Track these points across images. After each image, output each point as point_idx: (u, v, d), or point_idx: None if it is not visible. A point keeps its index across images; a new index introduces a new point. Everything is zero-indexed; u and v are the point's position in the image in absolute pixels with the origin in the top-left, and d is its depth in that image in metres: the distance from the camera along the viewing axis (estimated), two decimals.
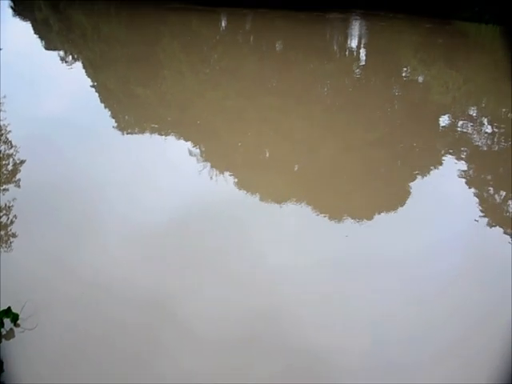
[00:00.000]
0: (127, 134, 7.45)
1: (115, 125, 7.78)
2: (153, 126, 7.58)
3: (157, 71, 10.91)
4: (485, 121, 8.59)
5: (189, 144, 7.01)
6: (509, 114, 9.06)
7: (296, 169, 6.54)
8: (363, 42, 17.60)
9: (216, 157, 6.65)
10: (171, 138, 7.26)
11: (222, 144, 7.10)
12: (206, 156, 6.61)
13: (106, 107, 8.68)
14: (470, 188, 6.09)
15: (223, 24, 20.37)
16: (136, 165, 6.12)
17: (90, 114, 8.05)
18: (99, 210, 4.95)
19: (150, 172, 5.95)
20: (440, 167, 6.61)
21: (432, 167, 6.60)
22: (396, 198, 5.70)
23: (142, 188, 5.50)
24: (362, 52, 15.65)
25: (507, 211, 5.65)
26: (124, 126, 7.75)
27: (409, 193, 5.82)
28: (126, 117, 8.48)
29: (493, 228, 5.11)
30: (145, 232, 4.55)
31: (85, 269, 3.95)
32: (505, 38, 17.43)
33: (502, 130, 8.18)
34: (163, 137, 7.32)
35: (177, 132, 7.43)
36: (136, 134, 7.48)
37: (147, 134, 7.31)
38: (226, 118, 8.01)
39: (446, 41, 17.01)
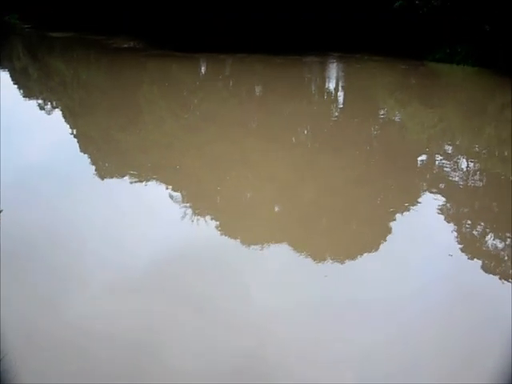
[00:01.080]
0: (108, 180, 7.56)
1: (95, 172, 7.90)
2: (133, 171, 7.70)
3: (137, 117, 11.18)
4: (460, 157, 8.94)
5: (170, 189, 7.14)
6: (483, 151, 9.49)
7: (277, 210, 6.70)
8: (341, 83, 18.30)
9: (197, 201, 6.77)
10: (152, 183, 7.38)
11: (203, 188, 7.24)
12: (188, 200, 6.73)
13: (85, 154, 8.81)
14: (448, 223, 6.29)
15: (203, 69, 21.04)
16: (117, 211, 6.19)
17: (69, 162, 8.17)
18: (81, 257, 4.99)
19: (131, 218, 6.02)
20: (419, 204, 6.85)
21: (411, 204, 6.83)
22: (376, 236, 5.87)
23: (123, 234, 5.56)
24: (340, 93, 16.26)
25: (486, 245, 5.84)
26: (104, 173, 7.87)
27: (389, 230, 5.99)
28: (107, 163, 8.62)
29: (471, 261, 5.28)
30: (128, 277, 4.59)
31: (68, 315, 3.97)
32: (476, 77, 18.36)
33: (477, 166, 8.53)
34: (144, 182, 7.44)
35: (157, 177, 7.56)
36: (116, 179, 7.59)
37: (127, 180, 7.42)
38: (207, 162, 8.20)
39: (421, 81, 17.84)
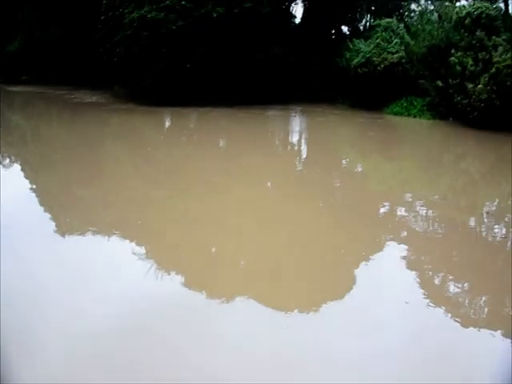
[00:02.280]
0: (68, 237, 7.47)
1: (56, 228, 7.82)
2: (94, 227, 7.68)
3: (99, 172, 11.24)
4: (419, 207, 9.37)
5: (132, 244, 7.14)
6: (441, 200, 9.98)
7: (241, 263, 6.78)
8: (304, 136, 19.02)
9: (161, 256, 6.78)
10: (114, 240, 7.37)
11: (167, 244, 7.27)
12: (151, 256, 6.73)
13: (46, 210, 8.73)
14: (410, 271, 6.52)
15: (167, 124, 21.45)
16: (77, 269, 6.12)
17: (28, 218, 8.06)
18: (38, 320, 4.87)
19: (92, 275, 5.97)
20: (381, 253, 7.11)
21: (373, 254, 7.07)
22: (339, 286, 6.03)
23: (84, 294, 5.48)
24: (303, 146, 16.88)
25: (447, 291, 6.07)
26: (65, 229, 7.79)
27: (353, 281, 6.15)
28: (68, 219, 8.55)
29: (432, 308, 5.47)
30: (88, 340, 4.51)
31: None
32: (432, 129, 19.49)
33: (435, 215, 8.96)
34: (106, 238, 7.42)
35: (119, 233, 7.56)
36: (78, 236, 7.51)
37: (89, 237, 7.38)
38: (171, 218, 8.27)
39: (380, 133, 18.76)
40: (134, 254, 6.82)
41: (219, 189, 10.12)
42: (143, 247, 7.08)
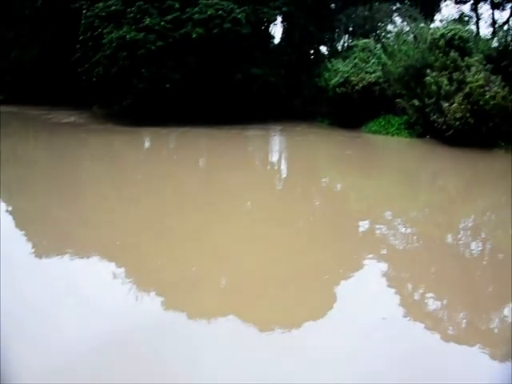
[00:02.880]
0: (46, 258, 7.40)
1: (32, 250, 7.73)
2: (73, 249, 7.62)
3: (78, 193, 11.17)
4: (398, 224, 9.56)
5: (112, 265, 7.11)
6: (419, 217, 10.20)
7: (224, 284, 6.80)
8: (284, 156, 19.23)
9: (141, 277, 6.76)
10: (93, 261, 7.32)
11: (147, 264, 7.25)
12: (131, 277, 6.71)
13: (22, 232, 8.63)
14: (391, 287, 6.64)
15: (146, 144, 21.45)
16: (56, 291, 6.06)
17: (4, 241, 7.95)
18: (18, 343, 4.80)
19: (72, 297, 5.91)
20: (361, 270, 7.23)
21: (354, 271, 7.19)
22: (320, 304, 6.11)
23: (63, 316, 5.43)
24: (283, 165, 17.06)
25: (428, 306, 6.18)
26: (42, 251, 7.71)
27: (333, 298, 6.24)
28: (45, 241, 8.45)
29: (412, 324, 5.57)
30: (70, 362, 4.46)
31: None
32: (409, 147, 19.94)
33: (414, 231, 9.14)
34: (84, 259, 7.36)
35: (99, 254, 7.52)
36: (55, 258, 7.44)
37: (67, 258, 7.31)
38: (151, 237, 8.26)
39: (359, 152, 19.10)
40: (113, 274, 6.78)
41: (200, 208, 10.15)
42: (123, 268, 7.05)
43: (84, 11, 26.40)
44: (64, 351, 4.67)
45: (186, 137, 21.83)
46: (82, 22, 26.13)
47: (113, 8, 25.28)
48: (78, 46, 26.34)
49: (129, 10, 24.73)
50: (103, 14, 25.37)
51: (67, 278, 6.55)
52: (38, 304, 5.71)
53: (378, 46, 25.58)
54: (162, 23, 24.07)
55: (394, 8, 35.38)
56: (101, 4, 26.16)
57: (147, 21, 23.83)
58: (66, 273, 6.79)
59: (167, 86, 23.83)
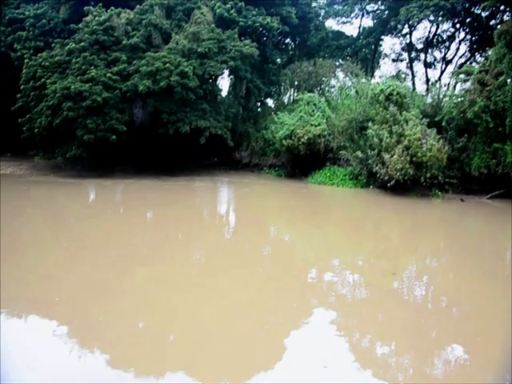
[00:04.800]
0: None
1: None
2: (10, 307, 7.33)
3: (16, 248, 10.78)
4: (345, 272, 9.89)
5: (53, 323, 6.90)
6: (365, 265, 10.60)
7: (171, 337, 6.74)
8: (231, 207, 19.49)
9: (82, 335, 6.58)
10: (32, 318, 7.08)
11: (90, 320, 7.07)
12: (73, 335, 6.53)
13: None
14: (339, 336, 6.83)
15: (91, 196, 21.11)
16: None
17: None
18: None
19: (12, 357, 5.68)
20: (310, 318, 7.41)
21: (304, 319, 7.36)
22: (269, 354, 6.20)
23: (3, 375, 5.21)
24: (231, 216, 17.27)
25: (375, 354, 6.39)
26: None
27: (284, 349, 6.34)
28: None
29: (357, 372, 5.76)
30: None
31: None
32: (354, 197, 20.78)
33: (361, 279, 9.49)
34: (23, 318, 7.09)
35: (38, 311, 7.29)
36: None
37: (4, 317, 7.02)
38: (95, 292, 8.09)
39: (305, 202, 19.70)
40: (53, 333, 6.58)
41: (145, 262, 10.08)
42: (64, 326, 6.86)
43: (26, 60, 26.36)
44: None
45: (131, 189, 21.71)
46: (24, 71, 26.00)
47: (57, 58, 25.44)
48: (18, 96, 26.02)
49: (74, 60, 24.95)
50: (47, 63, 25.45)
51: (5, 338, 6.29)
52: None
53: (323, 99, 27.01)
54: (109, 75, 24.38)
55: (337, 64, 37.78)
56: (44, 53, 26.31)
57: (93, 72, 24.07)
58: (4, 331, 6.51)
59: (113, 137, 23.80)
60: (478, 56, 36.29)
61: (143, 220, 15.21)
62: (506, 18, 30.19)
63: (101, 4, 27.82)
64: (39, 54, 26.48)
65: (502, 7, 30.24)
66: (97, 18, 26.47)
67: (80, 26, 26.96)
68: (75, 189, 21.19)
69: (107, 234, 12.73)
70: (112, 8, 26.99)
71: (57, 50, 26.28)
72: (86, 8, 27.70)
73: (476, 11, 33.66)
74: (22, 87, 25.85)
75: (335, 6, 41.35)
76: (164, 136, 26.03)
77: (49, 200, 18.26)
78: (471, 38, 36.35)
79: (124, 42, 25.96)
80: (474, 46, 36.02)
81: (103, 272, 9.22)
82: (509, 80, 18.96)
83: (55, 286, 8.50)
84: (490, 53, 22.65)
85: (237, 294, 8.30)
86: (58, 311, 7.36)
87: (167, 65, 24.09)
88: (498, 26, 24.35)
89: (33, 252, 10.68)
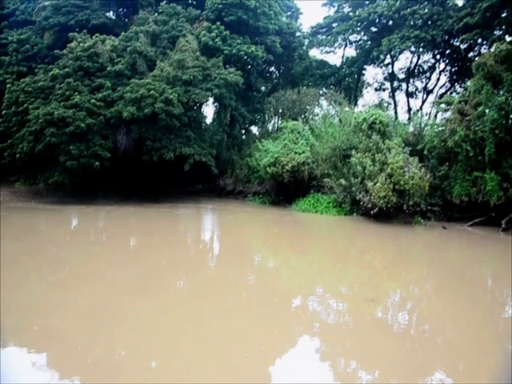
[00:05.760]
0: None
1: None
2: None
3: None
4: (329, 299, 9.98)
5: (31, 353, 6.85)
6: (349, 292, 10.71)
7: (154, 365, 6.73)
8: (215, 234, 19.52)
9: (65, 364, 6.54)
10: (10, 350, 7.01)
11: (70, 349, 7.02)
12: (53, 365, 6.49)
13: None
14: (323, 363, 6.89)
15: (74, 223, 20.96)
16: None
17: None
18: None
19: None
20: (296, 345, 7.51)
21: (289, 346, 7.43)
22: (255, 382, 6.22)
23: None
24: (215, 243, 17.30)
25: (360, 381, 6.46)
26: None
27: (267, 377, 6.37)
28: None
29: None
30: None
31: None
32: (338, 224, 20.98)
33: (345, 306, 9.58)
34: (1, 349, 7.02)
35: (16, 341, 7.22)
36: None
37: None
38: (76, 323, 8.03)
39: (289, 229, 19.83)
40: (32, 363, 6.53)
41: (130, 289, 10.05)
42: (42, 354, 6.81)
43: (8, 85, 26.40)
44: None
45: (113, 216, 21.63)
46: (6, 96, 26.03)
47: (40, 84, 25.56)
48: (0, 121, 25.95)
49: (58, 86, 25.10)
50: (30, 88, 25.55)
51: None
52: None
53: (307, 127, 27.46)
54: (93, 101, 24.56)
55: (321, 92, 38.61)
56: (27, 79, 26.42)
57: (77, 98, 24.23)
58: None
59: (97, 164, 23.81)
60: (457, 86, 37.55)
61: (125, 248, 15.13)
62: (483, 50, 31.43)
63: (85, 30, 28.21)
64: (22, 80, 26.58)
65: (479, 40, 31.48)
66: (81, 44, 26.79)
67: (64, 51, 27.22)
68: (56, 216, 21.04)
69: (90, 261, 12.66)
70: (97, 35, 27.39)
71: (40, 76, 26.42)
72: (70, 34, 28.01)
73: (455, 43, 35.00)
74: (3, 112, 25.83)
75: (319, 36, 42.49)
76: (148, 163, 26.14)
77: (29, 227, 18.09)
78: (451, 69, 37.65)
79: (108, 68, 26.26)
80: (454, 77, 37.27)
81: (86, 300, 9.16)
82: (487, 110, 19.61)
83: (35, 314, 8.42)
84: (468, 84, 23.46)
85: (219, 320, 8.32)
86: (39, 341, 7.30)
87: (152, 92, 24.38)
88: (476, 58, 25.34)
89: (13, 281, 10.55)
